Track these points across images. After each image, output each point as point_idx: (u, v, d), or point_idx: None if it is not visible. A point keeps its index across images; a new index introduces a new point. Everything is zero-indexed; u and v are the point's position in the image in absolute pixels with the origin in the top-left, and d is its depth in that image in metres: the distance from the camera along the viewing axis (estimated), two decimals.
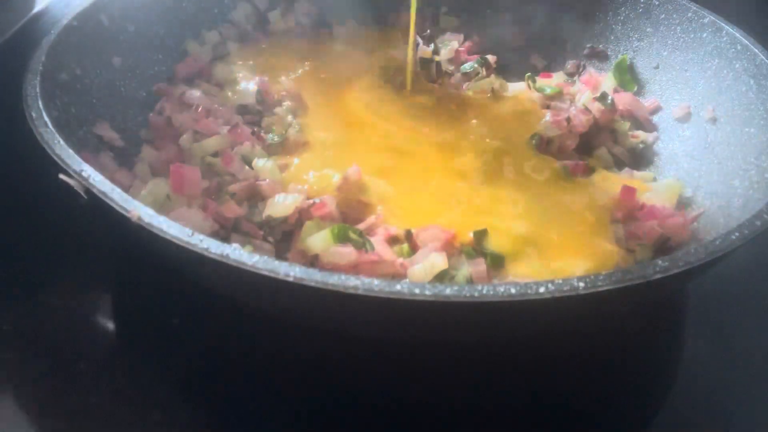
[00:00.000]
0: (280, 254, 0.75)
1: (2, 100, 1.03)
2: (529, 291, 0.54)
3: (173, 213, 0.71)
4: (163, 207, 0.73)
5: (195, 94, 0.95)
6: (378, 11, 1.21)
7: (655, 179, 0.94)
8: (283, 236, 0.77)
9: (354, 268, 0.71)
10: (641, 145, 1.01)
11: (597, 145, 1.00)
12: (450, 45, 1.12)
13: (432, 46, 1.12)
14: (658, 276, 0.56)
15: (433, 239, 0.75)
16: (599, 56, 1.14)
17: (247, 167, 0.84)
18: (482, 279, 0.73)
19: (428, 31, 1.16)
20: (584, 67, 1.15)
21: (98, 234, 0.85)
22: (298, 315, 0.66)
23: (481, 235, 0.76)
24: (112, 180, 0.71)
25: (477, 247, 0.75)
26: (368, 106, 1.00)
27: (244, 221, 0.77)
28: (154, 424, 0.66)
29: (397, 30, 1.17)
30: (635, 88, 1.08)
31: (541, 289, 0.54)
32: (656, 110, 1.04)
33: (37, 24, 1.27)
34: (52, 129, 0.69)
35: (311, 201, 0.77)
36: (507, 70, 1.13)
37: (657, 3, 1.06)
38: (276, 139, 0.89)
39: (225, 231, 0.75)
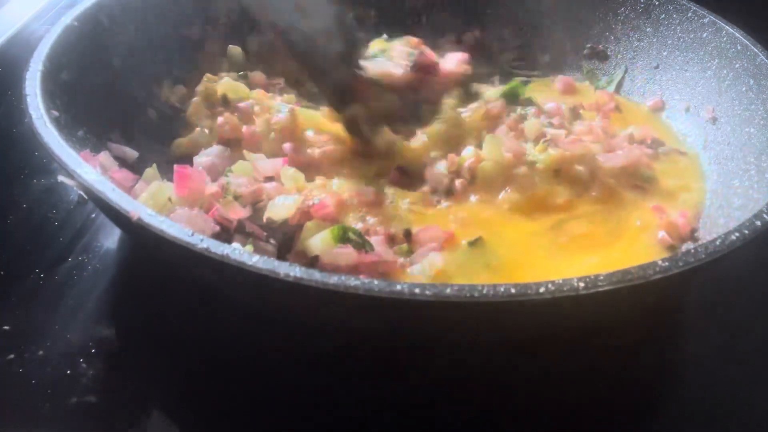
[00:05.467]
0: (282, 255, 0.75)
1: (2, 100, 1.04)
2: (529, 291, 0.54)
3: (174, 215, 0.71)
4: (164, 209, 0.73)
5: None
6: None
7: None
8: (285, 237, 0.77)
9: (354, 269, 0.71)
10: None
11: None
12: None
13: None
14: (658, 276, 0.56)
15: (432, 239, 0.75)
16: (599, 56, 1.14)
17: None
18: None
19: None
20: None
21: (98, 234, 0.85)
22: (298, 315, 0.66)
23: (475, 243, 0.76)
24: (112, 180, 0.71)
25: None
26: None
27: (248, 222, 0.77)
28: (154, 424, 0.66)
29: None
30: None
31: (541, 289, 0.54)
32: (656, 110, 1.04)
33: (37, 24, 1.28)
34: (52, 129, 0.69)
35: (311, 202, 0.77)
36: (507, 70, 1.13)
37: (657, 3, 1.06)
38: None
39: (226, 233, 0.75)
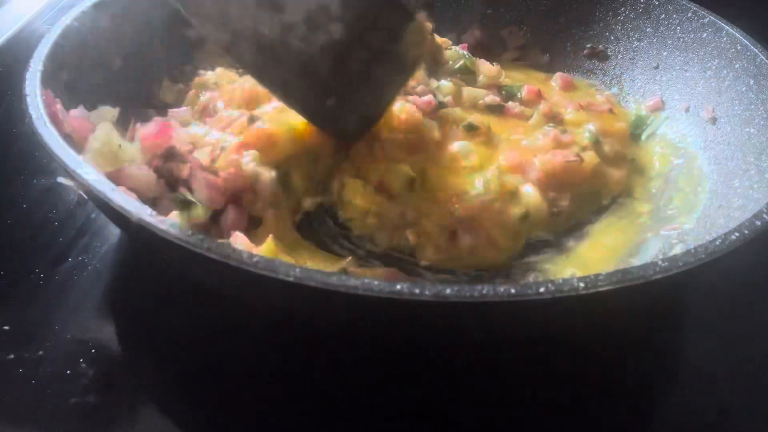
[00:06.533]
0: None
1: (2, 100, 1.04)
2: (529, 291, 0.54)
3: (124, 172, 0.71)
4: (115, 159, 0.73)
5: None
6: None
7: None
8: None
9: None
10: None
11: None
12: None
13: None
14: (658, 276, 0.56)
15: None
16: (599, 56, 1.14)
17: None
18: None
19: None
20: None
21: (98, 234, 0.85)
22: (298, 315, 0.66)
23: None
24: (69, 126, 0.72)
25: None
26: None
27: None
28: (154, 424, 0.66)
29: None
30: None
31: (541, 289, 0.54)
32: (656, 110, 1.04)
33: (37, 24, 1.28)
34: (52, 129, 0.69)
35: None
36: (507, 70, 1.13)
37: (657, 3, 1.06)
38: None
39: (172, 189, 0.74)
